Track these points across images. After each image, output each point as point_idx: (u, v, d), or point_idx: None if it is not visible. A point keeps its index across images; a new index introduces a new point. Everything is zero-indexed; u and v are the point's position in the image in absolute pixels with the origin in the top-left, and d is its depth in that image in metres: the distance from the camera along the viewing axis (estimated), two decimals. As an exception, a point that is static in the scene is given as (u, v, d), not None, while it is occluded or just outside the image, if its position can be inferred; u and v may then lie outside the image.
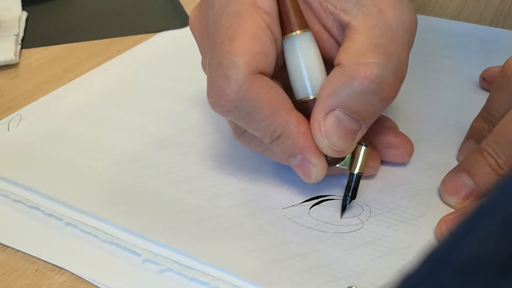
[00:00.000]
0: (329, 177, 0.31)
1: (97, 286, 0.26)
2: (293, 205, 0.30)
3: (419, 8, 0.55)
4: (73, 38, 0.50)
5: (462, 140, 0.34)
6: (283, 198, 0.30)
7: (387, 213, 0.29)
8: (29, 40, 0.49)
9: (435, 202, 0.30)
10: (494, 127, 0.30)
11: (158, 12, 0.55)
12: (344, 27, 0.27)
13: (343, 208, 0.29)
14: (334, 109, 0.26)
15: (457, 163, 0.31)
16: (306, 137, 0.27)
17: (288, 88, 0.28)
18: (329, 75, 0.27)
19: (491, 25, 0.51)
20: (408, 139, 0.32)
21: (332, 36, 0.29)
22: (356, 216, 0.29)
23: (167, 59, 0.45)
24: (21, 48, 0.48)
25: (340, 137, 0.27)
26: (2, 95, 0.41)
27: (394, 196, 0.30)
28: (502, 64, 0.32)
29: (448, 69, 0.43)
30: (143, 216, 0.29)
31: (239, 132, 0.30)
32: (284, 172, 0.32)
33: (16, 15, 0.51)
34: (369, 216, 0.29)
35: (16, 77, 0.44)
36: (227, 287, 0.25)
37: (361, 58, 0.26)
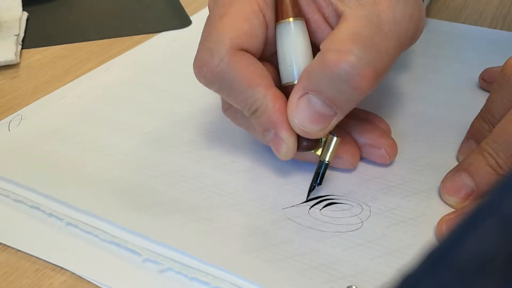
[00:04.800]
0: (329, 178, 0.31)
1: (97, 285, 0.26)
2: (293, 205, 0.30)
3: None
4: (73, 38, 0.50)
5: (462, 140, 0.34)
6: (283, 198, 0.30)
7: (387, 212, 0.29)
8: (29, 40, 0.49)
9: (435, 202, 0.30)
10: (494, 127, 0.30)
11: (158, 13, 0.55)
12: (339, 16, 0.28)
13: (309, 192, 0.30)
14: (307, 92, 0.27)
15: (457, 163, 0.31)
16: (281, 113, 0.28)
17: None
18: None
19: (490, 25, 0.51)
20: (394, 142, 0.32)
21: (330, 25, 0.29)
22: (356, 215, 0.29)
23: (167, 60, 0.45)
24: (22, 48, 0.48)
25: (310, 120, 0.27)
26: (2, 95, 0.41)
27: (394, 196, 0.30)
28: (501, 64, 0.32)
29: (448, 70, 0.43)
30: (144, 215, 0.29)
31: (226, 107, 0.32)
32: (284, 172, 0.32)
33: (17, 16, 0.51)
34: (369, 216, 0.29)
35: (17, 77, 0.44)
36: (227, 286, 0.25)
37: (337, 45, 0.26)
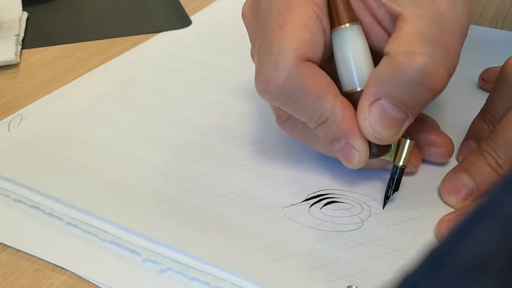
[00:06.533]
0: (328, 176, 0.31)
1: (97, 285, 0.26)
2: (293, 204, 0.30)
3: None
4: (73, 38, 0.50)
5: (462, 140, 0.34)
6: (283, 198, 0.30)
7: (387, 212, 0.29)
8: (29, 40, 0.49)
9: (435, 202, 0.30)
10: (494, 127, 0.30)
11: (158, 13, 0.55)
12: (395, 18, 0.27)
13: (385, 200, 0.29)
14: (379, 98, 0.26)
15: (457, 163, 0.31)
16: (351, 121, 0.27)
17: (335, 79, 0.29)
18: (377, 65, 0.27)
19: (490, 25, 0.51)
20: (449, 138, 0.32)
21: (383, 27, 0.29)
22: (356, 215, 0.29)
23: (167, 60, 0.45)
24: (22, 48, 0.48)
25: (384, 126, 0.27)
26: (2, 95, 0.41)
27: (394, 196, 0.30)
28: (501, 64, 0.32)
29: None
30: (143, 215, 0.29)
31: (283, 119, 0.31)
32: (284, 172, 0.32)
33: (17, 16, 0.51)
34: (369, 216, 0.29)
35: (17, 77, 0.44)
36: (227, 286, 0.25)
37: (407, 47, 0.25)
